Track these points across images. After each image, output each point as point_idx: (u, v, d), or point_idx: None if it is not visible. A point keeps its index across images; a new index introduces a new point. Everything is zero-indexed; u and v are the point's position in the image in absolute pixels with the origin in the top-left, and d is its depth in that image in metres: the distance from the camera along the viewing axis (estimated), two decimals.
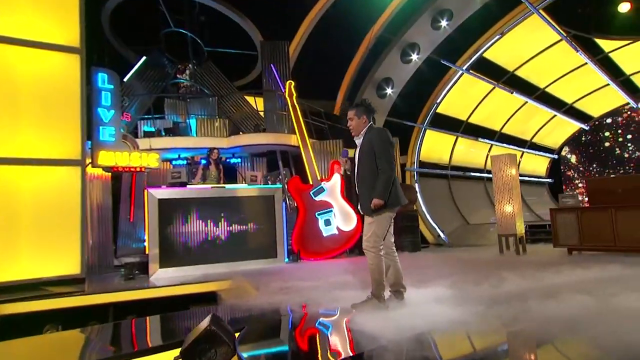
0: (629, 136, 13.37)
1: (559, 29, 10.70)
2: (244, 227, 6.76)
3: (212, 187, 6.72)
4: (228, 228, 6.64)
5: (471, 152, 12.91)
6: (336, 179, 7.90)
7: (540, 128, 13.64)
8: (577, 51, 11.13)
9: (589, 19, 11.01)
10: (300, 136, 8.22)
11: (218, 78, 11.17)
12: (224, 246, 6.58)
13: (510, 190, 6.70)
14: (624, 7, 10.57)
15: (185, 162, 9.19)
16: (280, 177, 8.97)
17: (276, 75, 10.26)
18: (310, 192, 7.68)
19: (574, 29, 10.99)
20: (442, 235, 11.07)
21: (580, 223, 5.81)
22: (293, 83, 8.91)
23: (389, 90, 11.76)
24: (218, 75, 11.19)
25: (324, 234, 7.63)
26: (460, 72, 11.73)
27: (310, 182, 7.85)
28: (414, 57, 11.33)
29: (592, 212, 5.71)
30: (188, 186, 6.66)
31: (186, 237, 6.37)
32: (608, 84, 12.07)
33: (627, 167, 13.21)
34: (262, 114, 10.27)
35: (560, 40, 11.05)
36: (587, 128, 13.90)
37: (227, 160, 9.03)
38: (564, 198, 6.01)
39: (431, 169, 12.29)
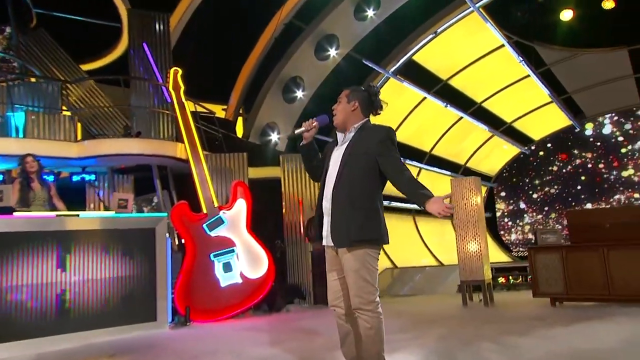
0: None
1: (500, 32, 11.49)
2: (108, 276, 5.73)
3: (57, 215, 5.60)
4: (82, 278, 5.56)
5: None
6: (240, 206, 7.27)
7: (476, 150, 14.46)
8: (520, 60, 12.07)
9: (530, 25, 12.00)
10: (190, 146, 7.40)
11: (55, 55, 9.82)
12: (75, 307, 5.46)
13: (475, 224, 6.61)
14: (566, 15, 11.78)
15: (0, 177, 7.80)
16: (156, 202, 8.03)
17: (150, 59, 9.32)
18: (204, 225, 6.97)
19: (515, 34, 11.93)
20: None
21: (565, 266, 5.84)
22: (180, 71, 8.11)
23: (299, 93, 11.51)
24: (55, 50, 9.84)
25: (222, 284, 6.91)
26: (386, 76, 11.98)
27: (204, 211, 7.12)
28: (332, 52, 11.30)
29: (580, 252, 5.76)
30: (16, 214, 5.46)
31: (9, 294, 5.14)
32: (551, 102, 13.29)
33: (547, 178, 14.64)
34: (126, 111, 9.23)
35: (501, 46, 11.90)
36: (527, 152, 15.18)
37: (76, 176, 7.79)
38: (543, 234, 6.09)
39: None
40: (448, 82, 12.68)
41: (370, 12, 11.09)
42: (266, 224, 8.01)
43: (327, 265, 3.12)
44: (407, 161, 13.20)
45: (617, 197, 14.01)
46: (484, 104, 13.34)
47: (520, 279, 9.66)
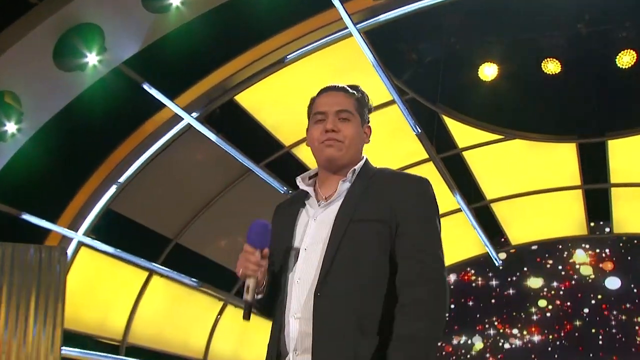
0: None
1: (389, 79, 11.39)
2: None
3: None
4: None
5: (178, 313, 12.75)
6: None
7: None
8: (417, 132, 11.99)
9: (434, 81, 12.37)
10: None
11: None
12: None
13: None
14: (487, 71, 12.27)
15: None
16: None
17: None
18: None
19: (410, 88, 12.07)
20: None
21: None
22: None
23: (9, 126, 10.31)
24: None
25: None
26: (186, 122, 11.56)
27: None
28: (92, 60, 10.36)
29: None
30: None
31: None
32: (459, 210, 13.50)
33: None
34: None
35: (391, 102, 11.77)
36: None
37: None
38: None
39: (84, 353, 11.60)
40: (291, 151, 12.33)
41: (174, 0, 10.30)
42: None
43: None
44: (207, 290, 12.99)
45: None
46: None
47: None
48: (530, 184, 13.62)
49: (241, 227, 12.25)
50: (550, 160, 13.06)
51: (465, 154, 12.86)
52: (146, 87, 10.93)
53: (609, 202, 13.83)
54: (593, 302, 15.07)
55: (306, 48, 11.32)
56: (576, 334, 15.13)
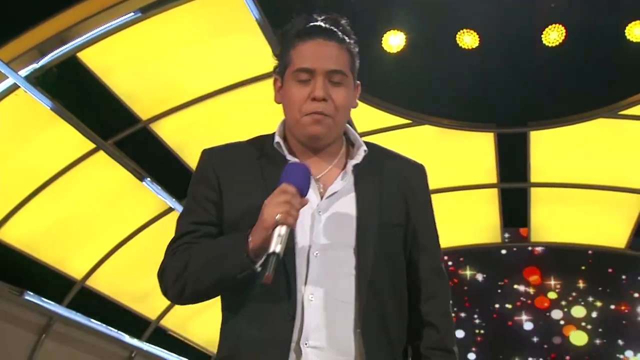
0: None
1: (275, 37, 11.07)
2: None
3: None
4: None
5: None
6: None
7: None
8: None
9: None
10: None
11: None
12: None
13: None
14: (392, 41, 11.91)
15: None
16: None
17: None
18: None
19: None
20: None
21: None
22: None
23: None
24: None
25: None
26: (10, 82, 10.80)
27: None
28: None
29: None
30: None
31: None
32: None
33: None
34: None
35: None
36: None
37: None
38: None
39: None
40: (151, 125, 11.77)
41: None
42: None
43: None
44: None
45: None
46: None
47: None
48: (438, 180, 13.34)
49: (81, 219, 11.68)
50: (463, 152, 13.08)
51: (363, 140, 12.31)
52: None
53: (527, 205, 14.04)
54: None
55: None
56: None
